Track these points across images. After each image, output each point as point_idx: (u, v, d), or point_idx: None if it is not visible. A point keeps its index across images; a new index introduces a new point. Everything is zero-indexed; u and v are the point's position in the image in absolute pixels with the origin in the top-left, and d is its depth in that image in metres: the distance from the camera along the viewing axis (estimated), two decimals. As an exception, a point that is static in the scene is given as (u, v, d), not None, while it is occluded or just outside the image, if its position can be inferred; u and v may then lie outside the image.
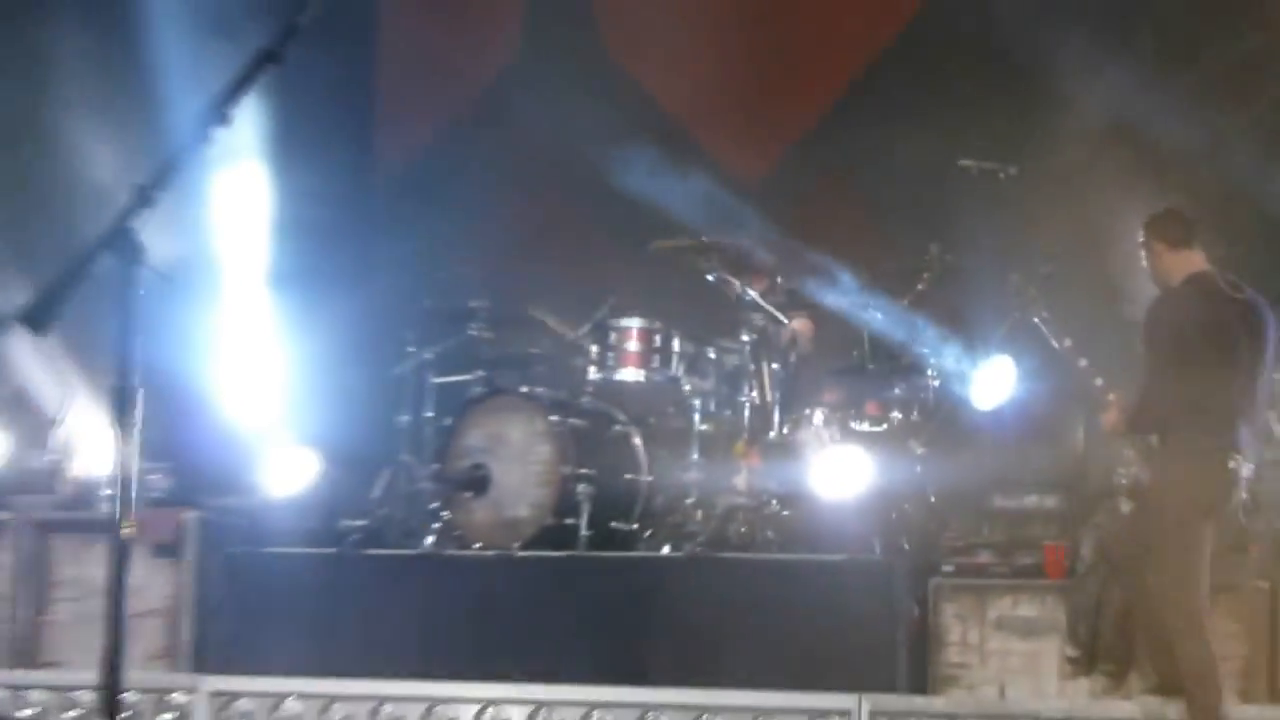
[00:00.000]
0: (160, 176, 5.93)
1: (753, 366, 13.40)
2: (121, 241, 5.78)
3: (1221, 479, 10.37)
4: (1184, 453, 10.47)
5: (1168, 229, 10.84)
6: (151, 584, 12.86)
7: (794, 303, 13.78)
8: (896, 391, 13.30)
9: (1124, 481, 11.28)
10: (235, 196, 15.09)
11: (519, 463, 12.90)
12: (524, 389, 13.34)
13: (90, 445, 14.08)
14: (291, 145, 15.28)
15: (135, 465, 6.00)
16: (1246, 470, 10.42)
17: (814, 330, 13.87)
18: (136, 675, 11.88)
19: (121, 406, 5.93)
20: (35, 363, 14.64)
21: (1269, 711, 10.77)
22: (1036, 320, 11.55)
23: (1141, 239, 10.92)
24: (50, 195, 14.93)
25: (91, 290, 5.81)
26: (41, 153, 15.23)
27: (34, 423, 14.69)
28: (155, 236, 5.86)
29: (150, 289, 5.89)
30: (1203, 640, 10.41)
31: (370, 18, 16.49)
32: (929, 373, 13.22)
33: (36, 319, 5.82)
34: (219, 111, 6.02)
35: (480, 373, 13.88)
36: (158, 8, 14.72)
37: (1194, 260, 10.70)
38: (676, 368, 13.36)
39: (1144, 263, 10.93)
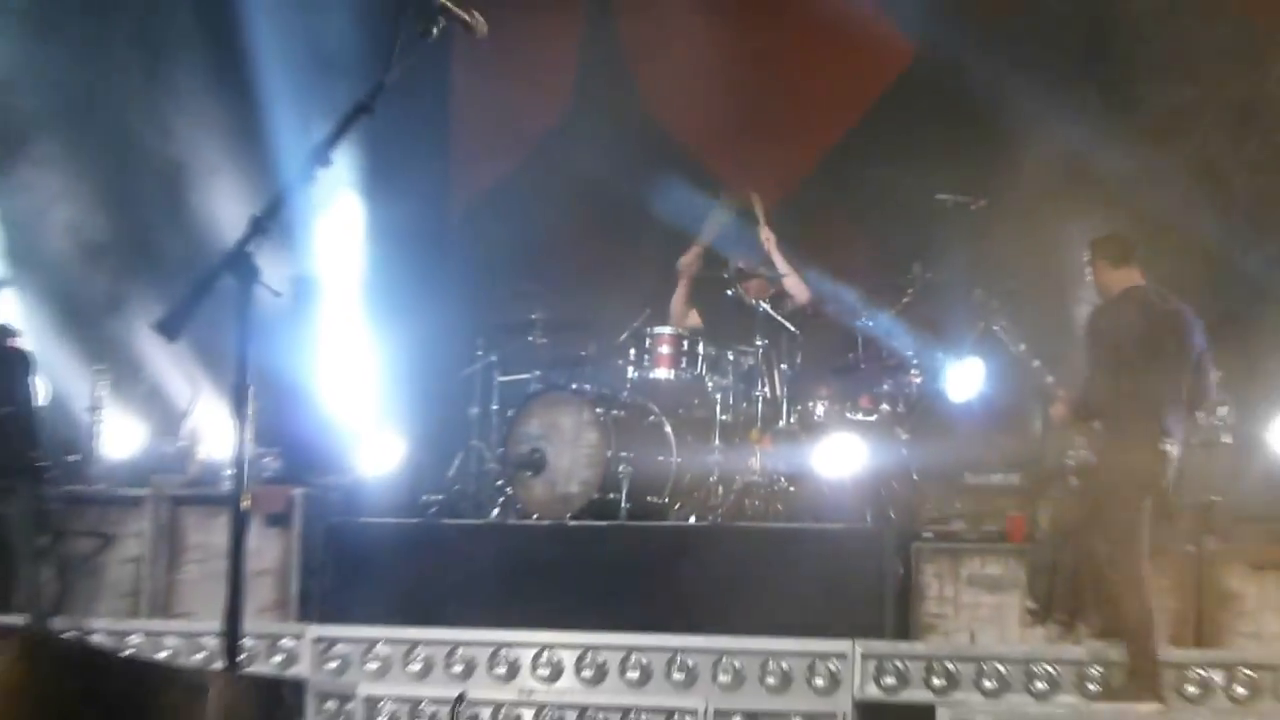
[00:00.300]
0: (272, 208, 5.97)
1: (764, 367, 13.43)
2: (240, 263, 5.82)
3: (1154, 460, 10.39)
4: (1122, 438, 10.51)
5: (1109, 249, 10.87)
6: (265, 548, 12.88)
7: (801, 311, 13.82)
8: (885, 387, 13.28)
9: (1073, 462, 11.29)
10: (335, 225, 15.20)
11: (570, 447, 12.89)
12: (574, 386, 13.32)
13: (214, 433, 14.15)
14: (381, 183, 15.36)
15: (251, 449, 6.04)
16: (1175, 452, 10.48)
17: (813, 333, 13.85)
18: (252, 624, 11.94)
19: (240, 401, 5.97)
20: (168, 364, 14.72)
21: (1194, 654, 10.77)
22: (996, 328, 11.55)
23: (1087, 258, 10.96)
24: (179, 223, 15.00)
25: (215, 304, 5.87)
26: (173, 187, 15.30)
27: (167, 415, 14.78)
28: (268, 258, 5.93)
29: (264, 303, 5.95)
30: (1141, 595, 10.43)
31: (445, 78, 16.51)
32: (912, 371, 13.24)
33: (168, 327, 5.86)
34: (321, 155, 6.07)
35: (537, 372, 13.91)
36: (272, 60, 14.83)
37: (1131, 276, 10.73)
38: (701, 368, 13.36)
39: (1089, 278, 10.99)
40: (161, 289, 14.48)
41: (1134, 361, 10.46)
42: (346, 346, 15.05)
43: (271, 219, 5.93)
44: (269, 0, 14.92)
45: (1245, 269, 13.17)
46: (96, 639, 11.99)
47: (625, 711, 11.09)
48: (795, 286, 13.79)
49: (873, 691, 10.94)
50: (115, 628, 12.46)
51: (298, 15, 14.94)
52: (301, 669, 11.81)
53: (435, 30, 6.37)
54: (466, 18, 6.38)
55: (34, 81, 15.18)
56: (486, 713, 11.19)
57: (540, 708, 11.16)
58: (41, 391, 13.43)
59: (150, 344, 14.51)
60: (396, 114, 6.75)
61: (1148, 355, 10.48)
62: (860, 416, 13.13)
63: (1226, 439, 11.91)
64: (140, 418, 14.78)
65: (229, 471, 12.64)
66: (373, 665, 11.70)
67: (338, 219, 15.20)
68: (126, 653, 11.59)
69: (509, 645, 11.50)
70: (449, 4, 6.34)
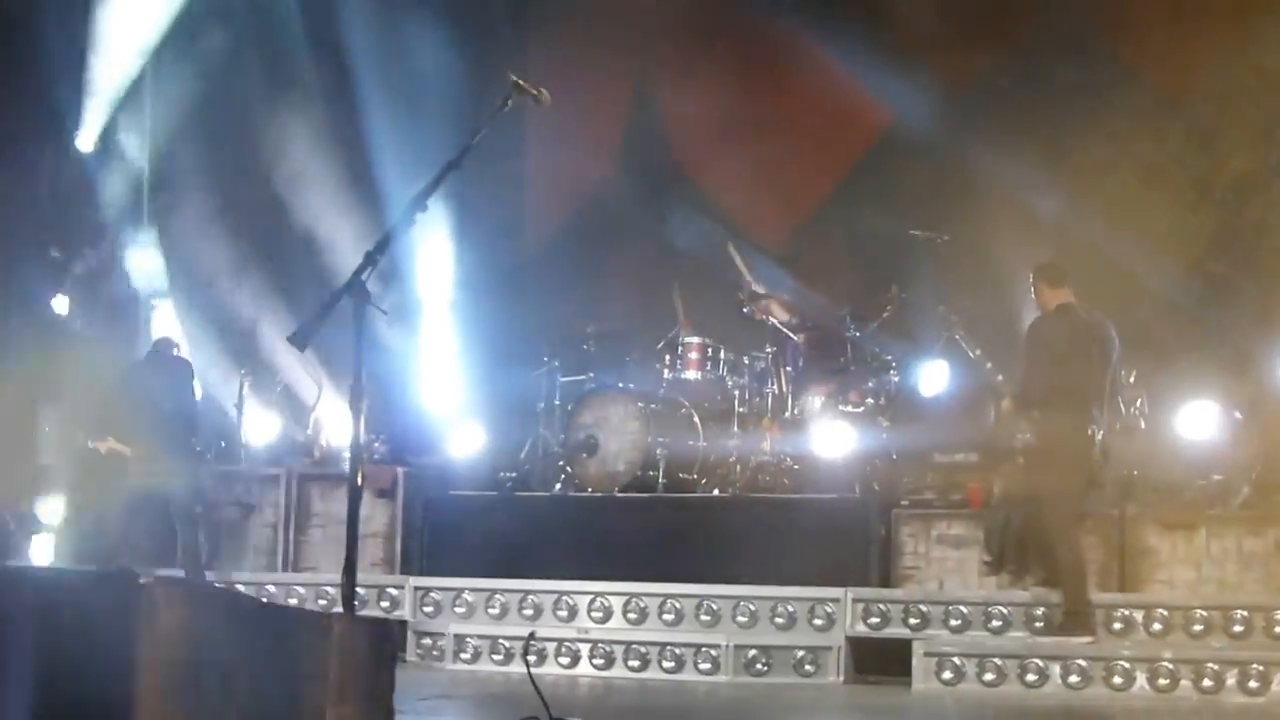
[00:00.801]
0: (381, 244, 6.04)
1: (773, 369, 13.41)
2: (355, 288, 5.88)
3: (1084, 442, 10.39)
4: (1057, 425, 10.51)
5: (1048, 273, 10.85)
6: (374, 516, 12.93)
7: (802, 324, 13.82)
8: (870, 385, 13.18)
9: (1020, 444, 11.24)
10: (431, 258, 15.24)
11: (618, 434, 12.88)
12: (621, 385, 13.31)
13: (334, 423, 14.21)
14: (467, 225, 15.39)
15: (363, 436, 6.08)
16: (1100, 435, 10.47)
17: (812, 342, 13.83)
18: (364, 576, 12.00)
19: (355, 397, 6.02)
20: (297, 368, 14.79)
21: (1118, 597, 10.79)
22: (958, 338, 11.53)
23: (1030, 280, 10.97)
24: (307, 255, 15.03)
25: (336, 320, 5.93)
26: (302, 226, 15.34)
27: (297, 408, 14.85)
28: (378, 284, 5.97)
29: (375, 320, 6.00)
30: (1075, 550, 10.47)
31: (521, 140, 16.51)
32: (892, 372, 13.21)
33: (298, 339, 5.94)
34: (420, 202, 6.13)
35: (591, 374, 13.90)
36: (381, 123, 14.89)
37: (1065, 295, 10.71)
38: (723, 369, 13.37)
39: (1031, 296, 10.99)
40: (293, 308, 14.60)
41: (1066, 363, 10.48)
42: (440, 354, 15.10)
43: (381, 253, 5.99)
44: (379, 73, 15.02)
45: (1156, 289, 13.17)
46: (241, 588, 12.06)
47: (662, 646, 11.13)
48: (804, 341, 13.79)
49: (861, 629, 11.02)
50: (255, 579, 12.58)
51: (401, 87, 15.00)
52: (404, 612, 11.91)
53: (510, 103, 6.44)
54: (535, 93, 6.46)
55: (187, 140, 15.33)
56: (551, 647, 11.23)
57: (594, 643, 11.21)
58: (197, 390, 13.52)
59: (283, 352, 14.59)
60: (480, 170, 6.80)
61: (1077, 358, 10.49)
62: (850, 408, 13.07)
63: (1142, 424, 11.88)
64: (275, 411, 14.86)
65: (346, 454, 12.76)
66: (460, 609, 11.78)
67: (433, 254, 15.23)
68: (265, 599, 11.65)
69: (569, 593, 11.59)
70: (521, 83, 6.42)
